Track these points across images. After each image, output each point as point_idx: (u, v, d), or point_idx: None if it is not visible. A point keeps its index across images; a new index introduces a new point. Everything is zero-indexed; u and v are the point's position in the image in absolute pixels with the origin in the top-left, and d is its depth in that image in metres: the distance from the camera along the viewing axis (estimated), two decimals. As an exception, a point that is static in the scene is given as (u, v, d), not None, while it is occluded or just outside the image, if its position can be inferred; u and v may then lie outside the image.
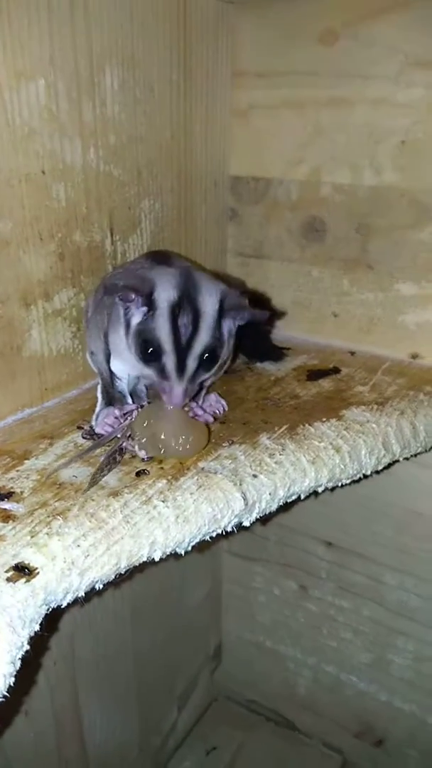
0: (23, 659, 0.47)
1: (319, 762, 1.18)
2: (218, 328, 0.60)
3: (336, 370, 0.84)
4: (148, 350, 0.59)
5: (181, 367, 0.59)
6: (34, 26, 0.61)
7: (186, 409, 0.65)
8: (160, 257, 0.69)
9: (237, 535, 1.15)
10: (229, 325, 0.62)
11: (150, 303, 0.59)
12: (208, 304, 0.59)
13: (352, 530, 1.02)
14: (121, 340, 0.62)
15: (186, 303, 0.59)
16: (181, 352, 0.58)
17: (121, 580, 0.52)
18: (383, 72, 0.78)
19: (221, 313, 0.60)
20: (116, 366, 0.67)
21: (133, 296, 0.59)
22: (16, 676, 0.45)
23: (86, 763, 0.94)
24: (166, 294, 0.59)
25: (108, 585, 0.52)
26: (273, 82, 0.86)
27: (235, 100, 0.89)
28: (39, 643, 0.77)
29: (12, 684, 0.45)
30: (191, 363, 0.59)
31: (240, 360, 0.87)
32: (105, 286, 0.64)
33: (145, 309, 0.59)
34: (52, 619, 0.79)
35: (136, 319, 0.60)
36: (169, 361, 0.58)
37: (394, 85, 0.78)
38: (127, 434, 0.63)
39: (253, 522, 0.61)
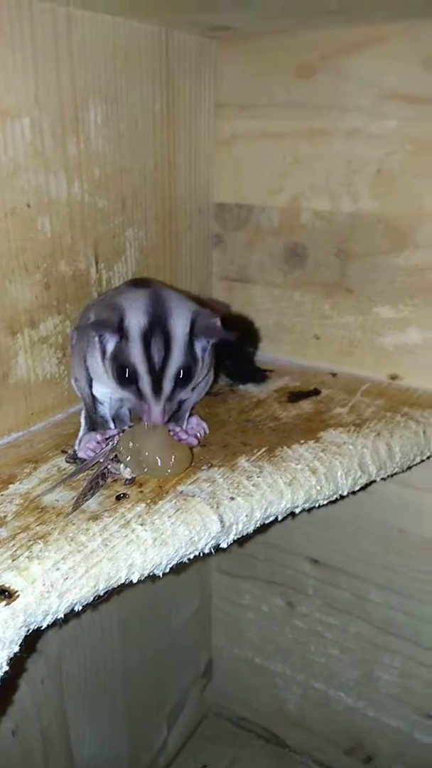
0: (7, 678, 0.48)
1: (309, 779, 1.19)
2: (191, 348, 0.62)
3: (316, 392, 0.86)
4: (124, 375, 0.61)
5: (156, 389, 0.61)
6: (18, 64, 0.63)
7: (170, 431, 0.67)
8: (139, 284, 0.71)
9: (225, 553, 1.16)
10: (202, 344, 0.64)
11: (121, 331, 0.61)
12: (179, 326, 0.61)
13: (338, 548, 1.04)
14: (99, 366, 0.65)
15: (156, 327, 0.61)
16: (156, 375, 0.61)
17: (108, 597, 0.54)
18: (358, 104, 0.81)
19: (192, 333, 0.62)
20: (98, 390, 0.69)
21: (106, 324, 0.61)
22: (3, 694, 0.47)
23: (75, 780, 0.95)
24: (136, 320, 0.61)
25: (94, 603, 0.54)
26: (254, 113, 0.89)
27: (218, 130, 0.92)
28: (26, 660, 0.79)
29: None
30: (167, 384, 0.61)
31: (223, 382, 0.89)
32: (78, 325, 0.66)
33: (118, 336, 0.61)
34: (39, 637, 0.81)
35: (110, 346, 0.62)
36: (145, 384, 0.61)
37: (369, 117, 0.81)
38: (110, 458, 0.65)
39: (230, 543, 0.63)
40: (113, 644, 0.99)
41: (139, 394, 0.62)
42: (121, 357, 0.61)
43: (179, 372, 0.61)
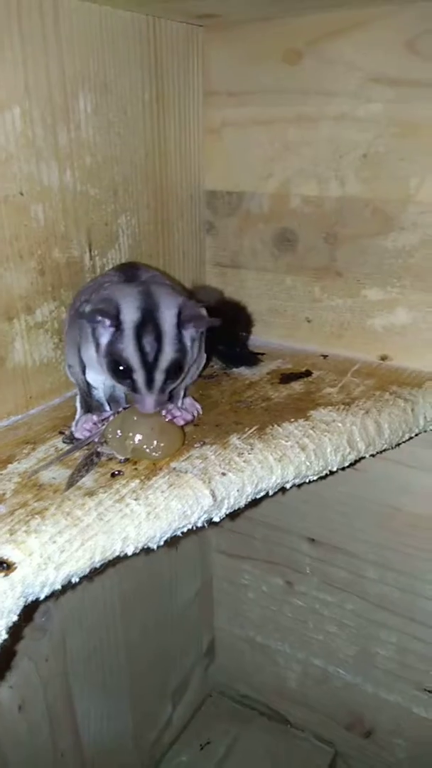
0: (12, 655, 0.50)
1: (311, 755, 1.22)
2: (180, 340, 0.64)
3: (308, 373, 0.88)
4: (118, 368, 0.63)
5: (149, 381, 0.63)
6: (8, 55, 0.65)
7: (163, 412, 0.69)
8: (127, 269, 0.73)
9: (225, 534, 1.19)
10: (190, 333, 0.65)
11: (117, 324, 0.63)
12: (168, 319, 0.63)
13: (334, 527, 1.06)
14: (93, 357, 0.66)
15: (148, 321, 0.62)
16: (149, 368, 0.62)
17: (111, 573, 0.56)
18: (344, 88, 0.82)
19: (180, 324, 0.64)
20: (91, 376, 0.71)
21: (100, 318, 0.63)
22: (9, 670, 0.49)
23: (81, 755, 0.98)
24: (129, 315, 0.63)
25: (98, 580, 0.56)
26: (242, 100, 0.90)
27: (208, 118, 0.94)
28: (32, 637, 0.82)
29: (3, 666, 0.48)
30: (159, 377, 0.63)
31: (217, 366, 0.91)
32: (76, 310, 0.68)
33: (112, 329, 0.63)
34: (44, 614, 0.83)
35: (104, 338, 0.64)
36: (139, 377, 0.63)
37: (355, 101, 0.82)
38: (103, 439, 0.67)
39: (236, 518, 0.65)
40: (116, 624, 1.01)
41: (133, 386, 0.64)
42: (115, 351, 0.63)
43: (170, 364, 0.63)
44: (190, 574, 1.19)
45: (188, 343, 0.65)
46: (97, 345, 0.65)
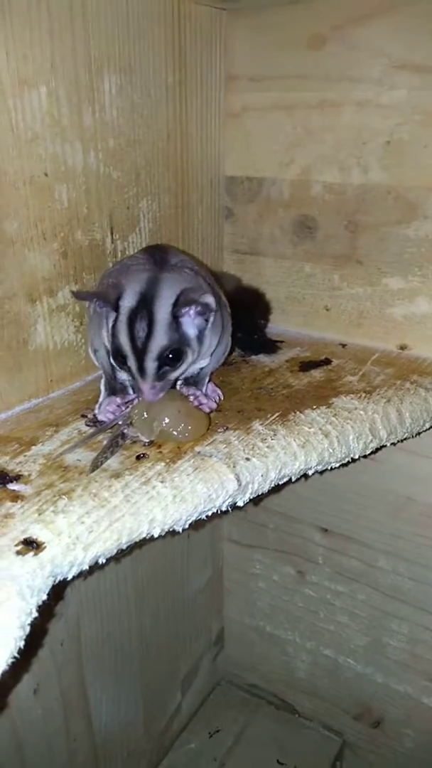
0: (30, 638, 0.50)
1: (319, 744, 1.22)
2: (176, 329, 0.63)
3: (327, 362, 0.88)
4: (117, 354, 0.63)
5: (141, 368, 0.62)
6: (35, 34, 0.64)
7: (189, 395, 0.69)
8: (156, 252, 0.72)
9: (237, 523, 1.19)
10: (190, 321, 0.64)
11: (117, 309, 0.63)
12: (163, 306, 0.62)
13: (347, 516, 1.06)
14: (106, 342, 0.66)
15: (143, 307, 0.62)
16: (139, 355, 0.62)
17: (125, 563, 0.56)
18: (368, 75, 0.82)
19: (176, 310, 0.63)
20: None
21: (102, 302, 0.63)
22: (26, 653, 0.49)
23: (93, 741, 0.98)
24: (128, 300, 0.62)
25: (113, 568, 0.55)
26: (264, 85, 0.90)
27: (229, 102, 0.93)
28: (48, 621, 0.82)
29: (21, 649, 0.48)
30: (150, 364, 0.62)
31: (236, 353, 0.90)
32: (75, 292, 0.68)
33: (114, 313, 0.63)
34: (59, 595, 0.83)
35: (110, 322, 0.64)
36: (132, 364, 0.63)
37: (379, 88, 0.82)
38: (128, 421, 0.66)
39: (248, 507, 0.65)
40: (130, 612, 1.01)
41: (130, 373, 0.64)
42: (113, 336, 0.63)
43: (163, 352, 0.62)
44: (201, 562, 1.19)
45: (190, 330, 0.64)
46: (108, 329, 0.65)
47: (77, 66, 0.70)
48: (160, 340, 0.62)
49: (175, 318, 0.63)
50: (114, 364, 0.66)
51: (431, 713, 1.09)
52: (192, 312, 0.64)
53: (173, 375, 0.65)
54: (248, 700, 1.30)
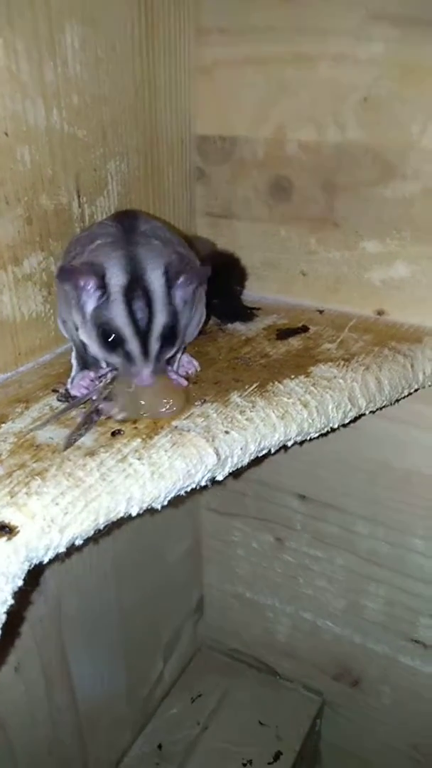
0: (10, 614, 0.49)
1: (300, 704, 1.25)
2: (171, 302, 0.60)
3: (305, 329, 0.86)
4: (108, 339, 0.60)
5: (145, 350, 0.59)
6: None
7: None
8: (125, 218, 0.69)
9: (215, 492, 1.18)
10: (181, 294, 0.62)
11: (104, 287, 0.59)
12: (156, 281, 0.59)
13: (325, 483, 1.06)
14: (80, 323, 0.63)
15: (137, 285, 0.59)
16: (143, 336, 0.59)
17: (104, 536, 0.54)
18: (344, 27, 0.78)
19: (169, 284, 0.60)
20: (84, 336, 0.67)
21: (83, 283, 0.59)
22: (4, 632, 0.47)
23: (77, 711, 0.98)
24: (116, 279, 0.59)
25: (90, 542, 0.54)
26: (236, 38, 0.85)
27: (199, 56, 0.88)
28: (26, 599, 0.80)
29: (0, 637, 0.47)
30: (154, 344, 0.59)
31: (211, 321, 0.88)
32: (61, 268, 0.62)
33: (99, 294, 0.59)
34: (36, 576, 0.82)
35: (90, 305, 0.60)
36: (134, 347, 0.59)
37: (355, 40, 0.78)
38: (102, 396, 0.64)
39: (227, 476, 0.63)
40: (109, 584, 1.01)
41: (127, 357, 0.60)
42: (103, 320, 0.59)
43: (166, 330, 0.60)
44: (180, 532, 1.19)
45: (180, 303, 0.62)
46: (83, 312, 0.61)
47: (36, 17, 0.65)
48: (161, 318, 0.59)
49: (169, 290, 0.60)
50: (100, 350, 0.62)
51: (408, 671, 1.12)
52: (180, 285, 0.61)
53: (169, 354, 0.63)
54: (229, 664, 1.32)
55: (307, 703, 1.24)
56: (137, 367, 0.60)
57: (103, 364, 0.68)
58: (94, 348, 0.63)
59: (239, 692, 1.26)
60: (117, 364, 0.62)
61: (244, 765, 1.13)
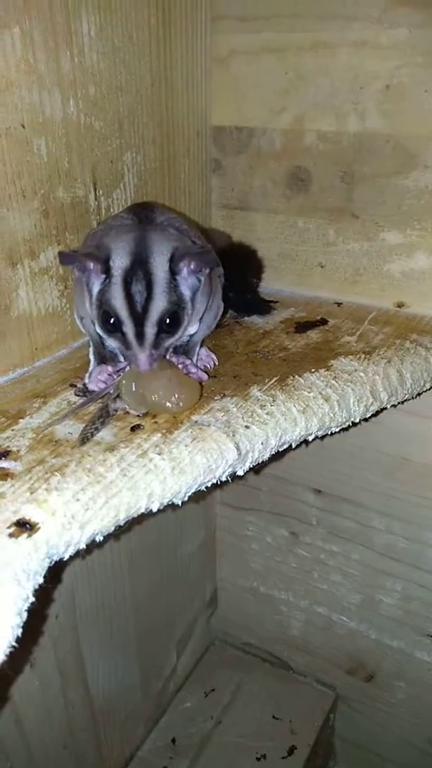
0: (28, 611, 0.48)
1: (313, 698, 1.24)
2: (175, 290, 0.59)
3: (323, 322, 0.85)
4: (108, 320, 0.59)
5: (139, 335, 0.58)
6: (5, -30, 0.58)
7: (179, 364, 0.66)
8: (141, 210, 0.68)
9: (230, 486, 1.17)
10: (190, 283, 0.61)
11: (107, 270, 0.58)
12: (159, 265, 0.59)
13: (341, 478, 1.05)
14: (88, 310, 0.62)
15: (138, 268, 0.58)
16: (138, 320, 0.58)
17: (119, 532, 0.54)
18: (366, 12, 0.76)
19: (174, 270, 0.59)
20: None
21: (91, 265, 0.58)
22: (22, 628, 0.47)
23: (91, 706, 0.98)
24: (120, 261, 0.58)
25: (106, 538, 0.53)
26: (253, 25, 0.84)
27: (216, 45, 0.87)
28: (42, 596, 0.80)
29: (19, 635, 0.46)
30: (149, 330, 0.58)
31: (229, 315, 0.87)
32: (60, 253, 0.62)
33: (103, 276, 0.59)
34: (54, 573, 0.81)
35: (95, 287, 0.60)
36: (128, 330, 0.58)
37: (378, 26, 0.76)
38: (118, 392, 0.63)
39: (246, 471, 0.63)
40: (123, 578, 1.00)
41: (123, 341, 0.60)
42: (104, 301, 0.59)
43: (163, 316, 0.59)
44: (194, 526, 1.18)
45: (187, 292, 0.61)
46: (90, 296, 0.61)
47: (53, 5, 0.64)
48: (160, 304, 0.58)
49: (173, 275, 0.59)
50: (101, 332, 0.62)
51: (423, 666, 1.11)
52: (186, 270, 0.60)
53: (169, 342, 0.62)
54: (243, 658, 1.32)
55: (320, 698, 1.24)
56: (132, 352, 0.59)
57: (121, 358, 0.67)
58: (99, 330, 0.62)
59: (252, 686, 1.25)
60: (117, 348, 0.62)
61: (258, 759, 1.12)
